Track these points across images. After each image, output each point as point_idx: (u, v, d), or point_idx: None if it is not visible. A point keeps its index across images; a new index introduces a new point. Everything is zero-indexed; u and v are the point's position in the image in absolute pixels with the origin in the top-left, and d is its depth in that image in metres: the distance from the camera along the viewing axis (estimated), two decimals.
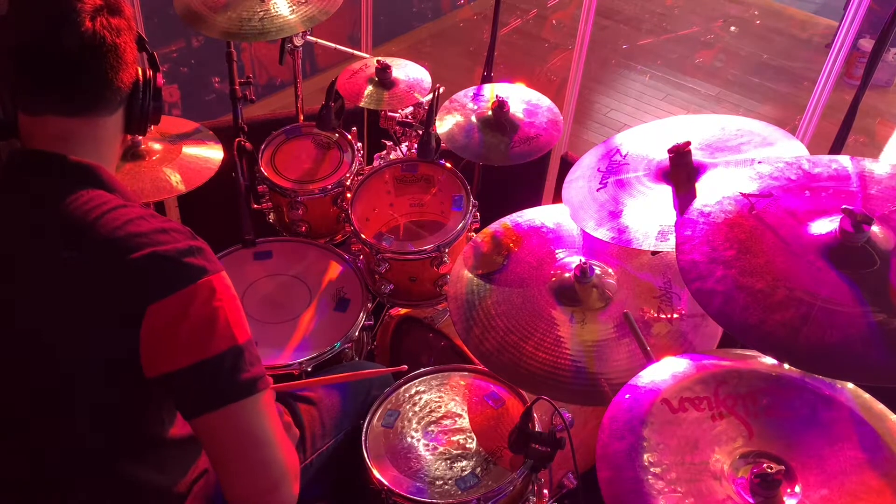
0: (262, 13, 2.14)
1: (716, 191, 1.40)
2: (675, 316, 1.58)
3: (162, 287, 1.12)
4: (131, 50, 1.23)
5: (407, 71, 2.28)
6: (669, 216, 1.52)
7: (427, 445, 1.63)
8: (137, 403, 1.21)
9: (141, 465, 1.26)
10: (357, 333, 1.99)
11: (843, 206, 1.21)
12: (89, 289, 1.13)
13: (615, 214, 1.59)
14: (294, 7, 2.18)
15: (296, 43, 2.32)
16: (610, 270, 1.68)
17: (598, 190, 1.67)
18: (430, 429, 1.67)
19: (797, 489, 1.12)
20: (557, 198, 1.77)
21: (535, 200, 2.88)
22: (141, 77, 1.27)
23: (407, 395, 1.75)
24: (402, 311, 2.18)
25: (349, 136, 2.34)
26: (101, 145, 1.24)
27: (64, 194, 1.17)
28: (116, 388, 1.17)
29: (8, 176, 1.23)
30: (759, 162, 1.45)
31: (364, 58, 2.38)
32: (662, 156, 1.63)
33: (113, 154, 1.28)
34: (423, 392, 1.75)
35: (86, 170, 1.20)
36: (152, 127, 1.34)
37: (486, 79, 2.38)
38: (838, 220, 1.23)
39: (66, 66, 1.16)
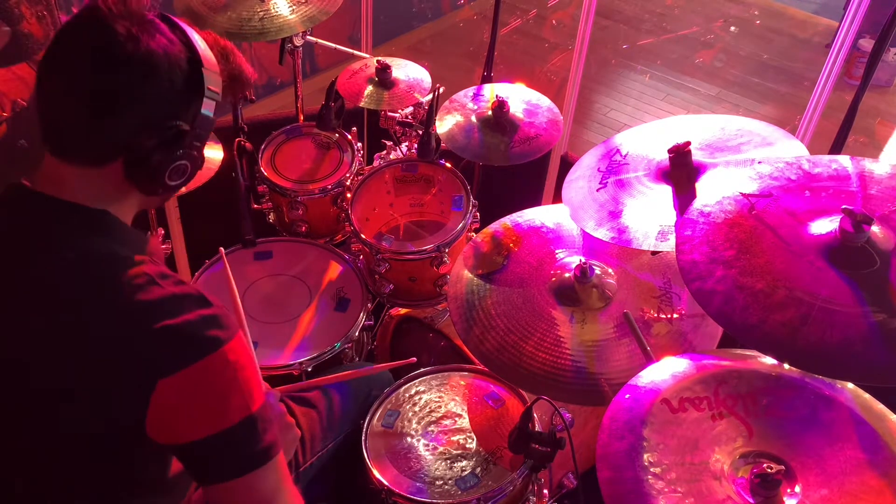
0: (262, 13, 2.15)
1: (716, 191, 1.40)
2: (675, 316, 1.58)
3: (172, 362, 1.05)
4: (136, 100, 1.08)
5: (407, 71, 2.28)
6: (669, 216, 1.52)
7: (427, 445, 1.63)
8: (139, 456, 1.17)
9: (140, 498, 1.24)
10: (357, 333, 1.99)
11: (843, 206, 1.21)
12: (91, 357, 1.07)
13: (615, 214, 1.59)
14: (294, 7, 2.18)
15: (296, 43, 2.32)
16: (610, 270, 1.68)
17: (598, 190, 1.67)
18: (430, 429, 1.67)
19: (797, 489, 1.12)
20: (557, 198, 1.77)
21: (535, 200, 2.88)
22: (154, 129, 1.10)
23: (407, 395, 1.75)
24: (402, 311, 2.18)
25: (349, 136, 2.34)
26: (101, 193, 1.13)
27: (65, 246, 1.10)
28: (117, 447, 1.13)
29: (9, 218, 1.15)
30: (759, 162, 1.45)
31: (364, 58, 2.38)
32: (662, 156, 1.63)
33: (122, 202, 1.16)
34: (423, 392, 1.75)
35: (90, 216, 1.12)
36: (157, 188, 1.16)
37: (486, 79, 2.38)
38: (838, 220, 1.23)
39: (53, 110, 1.09)
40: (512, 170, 2.11)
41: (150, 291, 1.07)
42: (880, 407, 1.22)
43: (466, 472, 1.58)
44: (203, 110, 1.14)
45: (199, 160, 1.18)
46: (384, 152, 2.43)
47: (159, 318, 1.06)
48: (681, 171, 1.59)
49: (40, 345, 1.09)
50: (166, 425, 1.09)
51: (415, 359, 1.76)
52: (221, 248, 1.81)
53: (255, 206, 2.31)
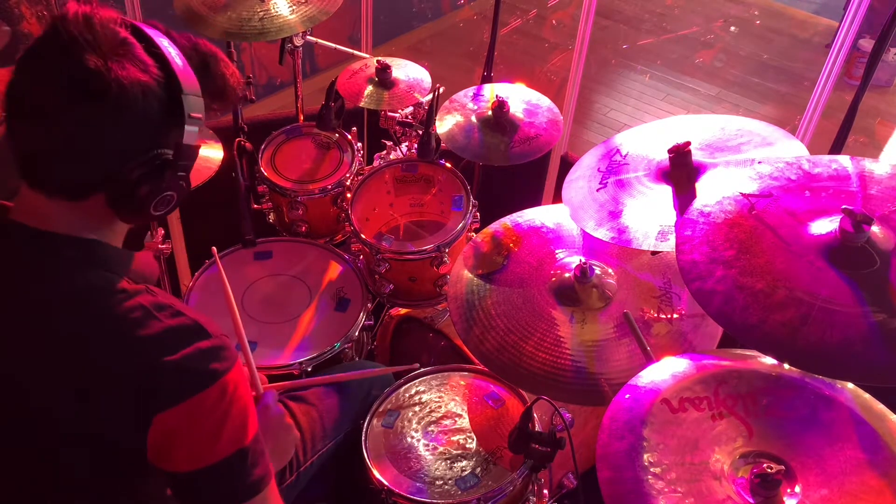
0: (262, 13, 2.15)
1: (716, 191, 1.40)
2: (675, 316, 1.58)
3: (170, 397, 1.05)
4: (110, 136, 1.04)
5: (407, 71, 2.28)
6: (669, 216, 1.52)
7: (427, 445, 1.63)
8: (140, 473, 1.16)
9: None
10: (357, 333, 1.99)
11: (843, 206, 1.21)
12: (89, 391, 1.06)
13: (615, 214, 1.59)
14: (294, 7, 2.18)
15: (296, 43, 2.32)
16: (610, 270, 1.68)
17: (598, 190, 1.67)
18: (430, 429, 1.67)
19: (797, 489, 1.12)
20: (557, 198, 1.77)
21: (535, 200, 2.88)
22: (134, 162, 1.06)
23: (407, 395, 1.75)
24: (402, 311, 2.18)
25: (349, 136, 2.34)
26: (87, 223, 1.11)
27: (59, 281, 1.08)
28: (118, 466, 1.13)
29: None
30: (759, 162, 1.45)
31: (364, 58, 2.38)
32: (662, 156, 1.63)
33: (112, 228, 1.14)
34: (423, 392, 1.75)
35: (82, 246, 1.10)
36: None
37: (486, 79, 2.38)
38: (838, 220, 1.23)
39: (25, 146, 1.06)
40: (512, 170, 2.11)
41: (149, 326, 1.06)
42: (880, 407, 1.21)
43: (466, 472, 1.58)
44: (186, 139, 1.08)
45: (186, 188, 1.13)
46: (384, 152, 2.43)
47: (158, 354, 1.05)
48: (681, 171, 1.59)
49: (39, 376, 1.08)
50: (163, 454, 1.08)
51: (417, 364, 1.77)
52: (214, 249, 1.81)
53: (255, 206, 2.31)
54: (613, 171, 1.70)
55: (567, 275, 1.65)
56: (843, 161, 1.38)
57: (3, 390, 1.11)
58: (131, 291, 1.09)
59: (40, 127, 1.04)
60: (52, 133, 1.04)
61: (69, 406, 1.07)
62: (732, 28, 5.18)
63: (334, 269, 2.15)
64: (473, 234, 2.08)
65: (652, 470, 1.15)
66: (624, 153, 1.73)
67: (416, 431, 1.66)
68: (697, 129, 1.71)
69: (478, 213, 2.14)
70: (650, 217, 1.55)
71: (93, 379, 1.06)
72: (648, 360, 1.45)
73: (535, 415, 1.53)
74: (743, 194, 1.37)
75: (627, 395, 1.26)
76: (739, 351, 1.33)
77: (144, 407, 1.05)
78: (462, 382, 1.77)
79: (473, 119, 2.11)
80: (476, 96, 2.18)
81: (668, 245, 1.47)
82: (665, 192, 1.59)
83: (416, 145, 2.21)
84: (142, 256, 1.19)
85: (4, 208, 1.13)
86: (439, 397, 1.74)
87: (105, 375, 1.06)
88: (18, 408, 1.11)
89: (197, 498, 1.13)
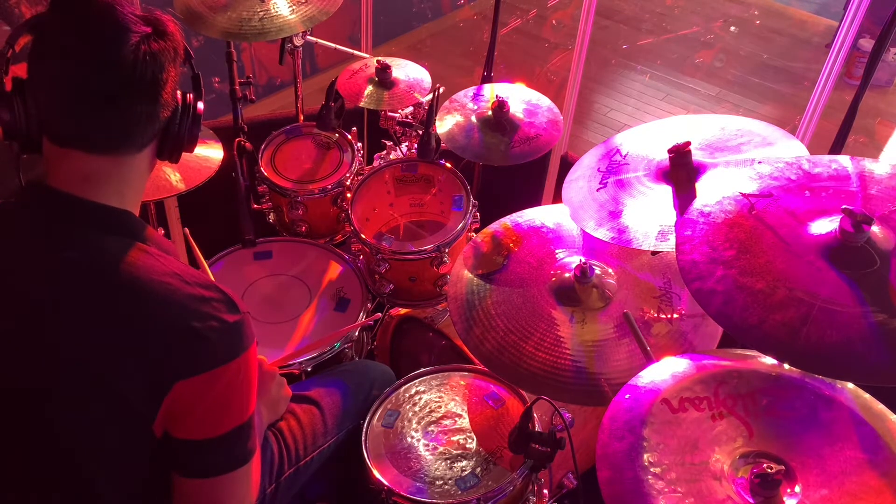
0: (262, 13, 2.15)
1: (716, 191, 1.40)
2: (675, 316, 1.58)
3: (193, 366, 1.09)
4: (173, 80, 1.15)
5: (407, 71, 2.28)
6: (669, 216, 1.52)
7: (427, 445, 1.63)
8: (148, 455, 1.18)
9: None
10: (357, 333, 1.99)
11: (843, 206, 1.21)
12: (115, 350, 1.08)
13: (615, 214, 1.59)
14: (294, 7, 2.18)
15: (296, 43, 2.32)
16: (610, 270, 1.68)
17: (598, 190, 1.67)
18: (430, 429, 1.67)
19: (797, 489, 1.12)
20: (557, 198, 1.77)
21: (535, 200, 2.88)
22: (180, 101, 1.20)
23: (407, 395, 1.75)
24: (402, 311, 2.18)
25: (349, 136, 2.34)
26: (127, 184, 1.17)
27: (93, 245, 1.12)
28: (130, 441, 1.15)
29: (31, 217, 1.15)
30: (759, 162, 1.45)
31: (364, 58, 2.38)
32: (662, 156, 1.63)
33: (140, 190, 1.21)
34: (423, 392, 1.75)
35: (116, 217, 1.15)
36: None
37: (486, 79, 2.38)
38: (838, 220, 1.23)
39: (99, 103, 1.10)
40: (512, 170, 2.11)
41: (179, 291, 1.10)
42: (880, 407, 1.22)
43: (466, 472, 1.58)
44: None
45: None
46: (384, 152, 2.43)
47: (187, 319, 1.08)
48: (681, 171, 1.59)
49: (95, 345, 1.10)
50: (169, 420, 1.11)
51: (379, 314, 1.89)
52: (186, 230, 1.88)
53: (255, 206, 2.31)
54: (613, 171, 1.70)
55: (567, 275, 1.65)
56: (843, 161, 1.38)
57: (40, 359, 1.11)
58: (160, 256, 1.13)
59: (128, 84, 1.10)
60: (142, 90, 1.12)
61: (94, 370, 1.09)
62: (732, 28, 5.18)
63: (334, 269, 2.15)
64: (473, 234, 2.08)
65: (652, 470, 1.15)
66: (624, 153, 1.73)
67: (416, 431, 1.66)
68: (697, 129, 1.71)
69: (478, 213, 2.14)
70: (650, 217, 1.55)
71: (117, 345, 1.09)
72: (648, 360, 1.45)
73: (535, 415, 1.53)
74: (743, 194, 1.37)
75: (627, 395, 1.26)
76: (739, 351, 1.33)
77: (166, 373, 1.08)
78: (462, 382, 1.77)
79: (473, 119, 2.11)
80: (476, 96, 2.18)
81: (668, 245, 1.47)
82: (665, 192, 1.59)
83: (416, 145, 2.21)
84: (163, 240, 1.23)
85: (46, 185, 1.15)
86: (439, 397, 1.74)
87: (137, 336, 1.08)
88: (50, 380, 1.11)
89: (193, 465, 1.15)
